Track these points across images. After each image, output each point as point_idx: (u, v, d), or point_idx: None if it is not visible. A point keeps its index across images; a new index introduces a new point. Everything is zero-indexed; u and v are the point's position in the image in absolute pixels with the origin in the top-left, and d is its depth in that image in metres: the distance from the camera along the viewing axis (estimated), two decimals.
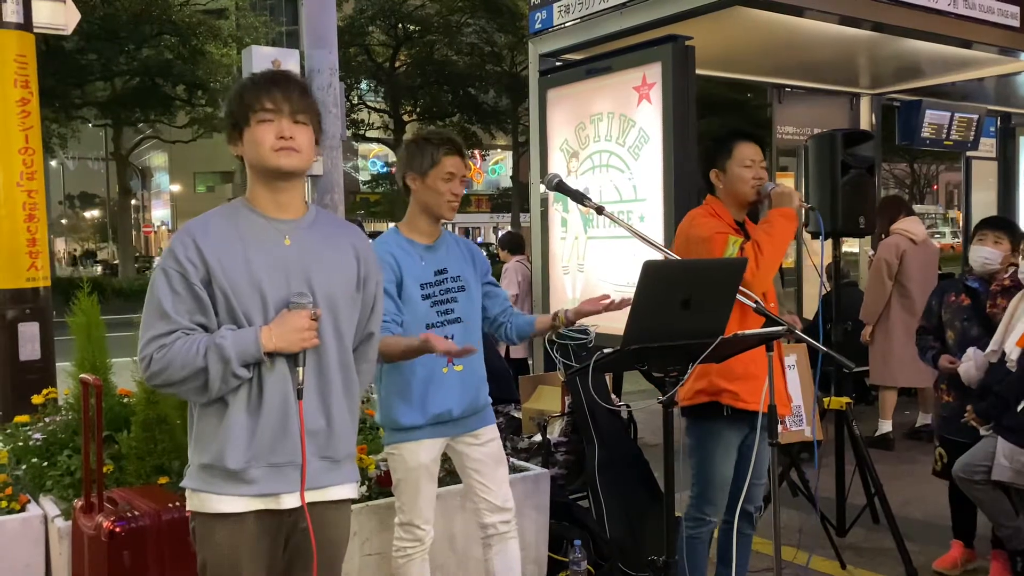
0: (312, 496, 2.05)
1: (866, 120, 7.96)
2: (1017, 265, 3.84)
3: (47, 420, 3.81)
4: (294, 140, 2.02)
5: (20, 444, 3.64)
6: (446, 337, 2.77)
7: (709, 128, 20.10)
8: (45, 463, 3.46)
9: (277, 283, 2.02)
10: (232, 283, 1.98)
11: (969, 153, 8.46)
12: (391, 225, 3.12)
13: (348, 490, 2.17)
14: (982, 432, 3.61)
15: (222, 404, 2.01)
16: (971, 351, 3.70)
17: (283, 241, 2.06)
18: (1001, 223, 4.01)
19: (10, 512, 3.18)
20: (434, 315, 2.85)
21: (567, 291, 5.95)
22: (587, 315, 2.87)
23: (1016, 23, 6.51)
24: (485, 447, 2.96)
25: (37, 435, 3.66)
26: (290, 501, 2.03)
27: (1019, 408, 3.39)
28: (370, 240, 2.85)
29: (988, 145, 8.69)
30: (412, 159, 2.86)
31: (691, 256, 2.99)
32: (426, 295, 2.84)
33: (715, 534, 3.24)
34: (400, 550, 2.93)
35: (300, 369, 1.99)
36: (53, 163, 35.25)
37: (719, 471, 3.09)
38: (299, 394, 1.99)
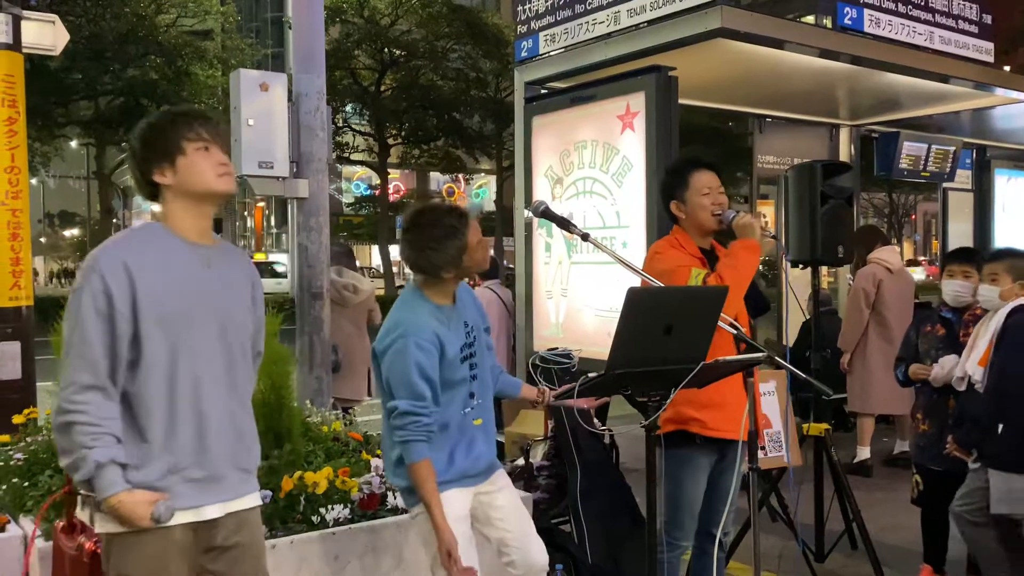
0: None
1: (845, 151, 8.08)
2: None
3: (28, 440, 3.79)
4: (229, 166, 2.22)
5: (0, 464, 3.62)
6: (470, 394, 2.70)
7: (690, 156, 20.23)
8: (26, 483, 3.44)
9: (204, 307, 2.15)
10: (162, 307, 2.08)
11: (946, 184, 8.58)
12: (408, 283, 2.83)
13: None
14: (971, 466, 3.59)
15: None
16: (944, 359, 3.80)
17: (206, 267, 2.19)
18: (965, 255, 4.03)
19: None
20: (467, 370, 2.70)
21: (550, 316, 5.98)
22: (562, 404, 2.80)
23: (990, 58, 6.69)
24: (502, 492, 2.83)
25: (18, 455, 3.64)
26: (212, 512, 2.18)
27: (999, 430, 3.40)
28: (400, 311, 2.66)
29: (964, 177, 8.81)
30: (439, 241, 2.61)
31: None
32: (464, 356, 2.69)
33: (686, 557, 3.26)
34: None
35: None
36: (33, 181, 34.97)
37: (687, 496, 3.12)
38: None
